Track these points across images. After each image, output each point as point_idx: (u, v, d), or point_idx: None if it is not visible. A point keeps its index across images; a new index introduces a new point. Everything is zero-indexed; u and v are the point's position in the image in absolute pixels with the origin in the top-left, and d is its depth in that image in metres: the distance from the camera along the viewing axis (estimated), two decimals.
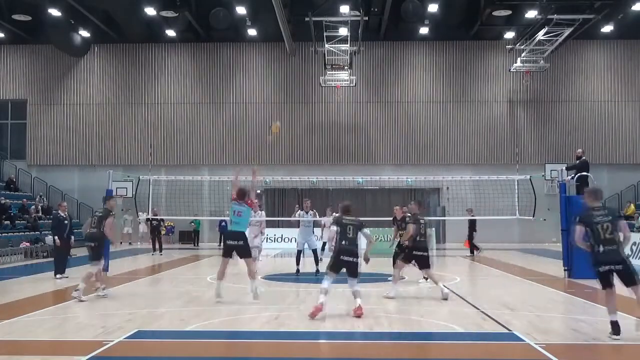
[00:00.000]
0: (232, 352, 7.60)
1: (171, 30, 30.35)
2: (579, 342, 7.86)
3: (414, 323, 9.11)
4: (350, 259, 9.43)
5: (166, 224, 27.58)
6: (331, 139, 31.38)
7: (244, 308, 10.27)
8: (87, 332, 8.32)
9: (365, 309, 10.20)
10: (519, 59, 28.34)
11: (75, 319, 9.48)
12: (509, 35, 29.88)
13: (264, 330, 8.59)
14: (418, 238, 11.47)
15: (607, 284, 7.99)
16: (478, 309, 10.15)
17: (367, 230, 9.85)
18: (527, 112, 31.50)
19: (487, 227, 27.13)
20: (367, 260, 10.06)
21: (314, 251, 15.75)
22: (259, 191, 32.62)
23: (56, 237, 15.08)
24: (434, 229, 28.46)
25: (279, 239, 28.20)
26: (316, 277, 13.94)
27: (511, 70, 29.33)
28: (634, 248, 18.02)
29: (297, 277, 14.98)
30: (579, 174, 16.55)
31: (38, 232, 23.68)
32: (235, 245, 10.68)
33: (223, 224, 26.61)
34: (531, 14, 25.76)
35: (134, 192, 20.44)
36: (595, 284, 13.64)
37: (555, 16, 24.11)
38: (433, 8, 27.48)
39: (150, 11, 27.70)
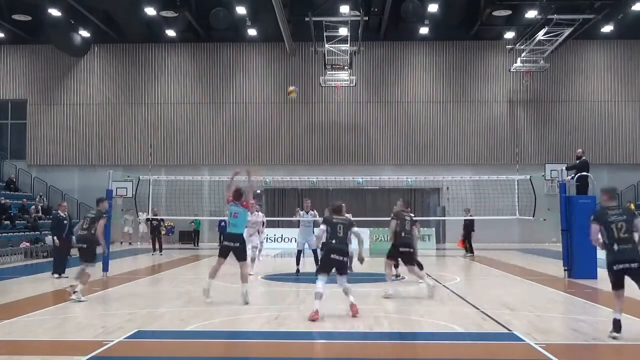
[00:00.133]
0: (232, 352, 7.60)
1: (171, 30, 30.35)
2: (579, 342, 7.86)
3: (414, 323, 9.12)
4: (340, 257, 9.40)
5: (166, 224, 27.57)
6: (331, 139, 31.39)
7: (244, 308, 10.26)
8: (87, 332, 8.31)
9: (365, 309, 10.20)
10: (519, 59, 28.34)
11: (75, 319, 9.48)
12: (509, 35, 29.88)
13: (264, 330, 8.59)
14: (403, 234, 11.42)
15: (618, 284, 7.96)
16: (478, 309, 10.15)
17: (357, 229, 9.82)
18: (527, 112, 31.50)
19: (487, 227, 27.17)
20: (361, 260, 10.03)
21: (314, 251, 15.73)
22: (258, 191, 32.66)
23: (55, 237, 15.08)
24: (434, 229, 28.56)
25: (279, 239, 28.20)
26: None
27: (511, 70, 29.33)
28: None
29: (297, 277, 14.98)
30: (579, 174, 16.55)
31: (38, 232, 23.69)
32: (232, 247, 10.64)
33: (222, 224, 26.56)
34: (531, 14, 25.76)
35: (134, 192, 20.45)
36: (595, 284, 13.74)
37: (555, 16, 24.11)
38: (433, 8, 27.48)
39: (150, 11, 27.70)
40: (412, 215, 12.19)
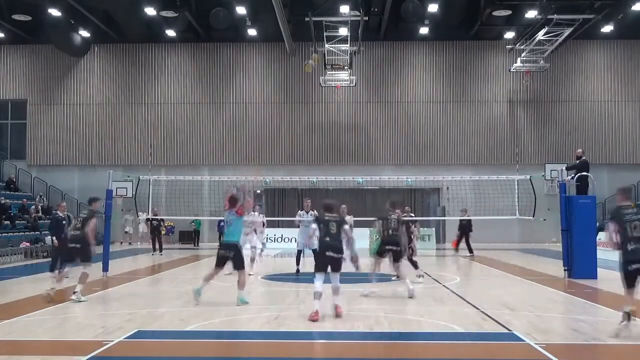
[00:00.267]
0: (232, 352, 7.60)
1: (171, 30, 30.35)
2: (579, 342, 7.86)
3: (414, 323, 9.11)
4: (335, 254, 9.38)
5: (166, 224, 27.57)
6: (331, 139, 31.39)
7: (244, 308, 10.26)
8: (87, 332, 8.32)
9: (366, 309, 10.21)
10: (519, 59, 28.33)
11: (75, 319, 9.48)
12: (509, 35, 29.88)
13: (264, 330, 8.59)
14: (390, 232, 11.60)
15: (631, 284, 7.97)
16: (478, 309, 10.15)
17: (347, 227, 9.75)
18: (527, 112, 31.50)
19: (487, 227, 27.16)
20: (356, 262, 9.83)
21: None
22: (258, 191, 32.67)
23: (54, 238, 15.09)
24: (433, 229, 28.57)
25: (279, 239, 28.20)
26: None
27: (511, 70, 29.32)
28: None
29: (297, 277, 14.97)
30: (579, 174, 16.55)
31: (38, 232, 23.69)
32: (227, 256, 10.57)
33: (222, 224, 26.53)
34: (531, 14, 25.76)
35: (134, 192, 20.44)
36: (595, 284, 13.74)
37: (555, 16, 24.11)
38: (433, 8, 27.48)
39: (150, 11, 27.70)
40: (413, 214, 12.22)
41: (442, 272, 17.04)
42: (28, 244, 21.86)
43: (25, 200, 27.52)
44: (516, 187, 19.56)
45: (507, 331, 8.40)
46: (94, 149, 31.87)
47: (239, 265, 10.66)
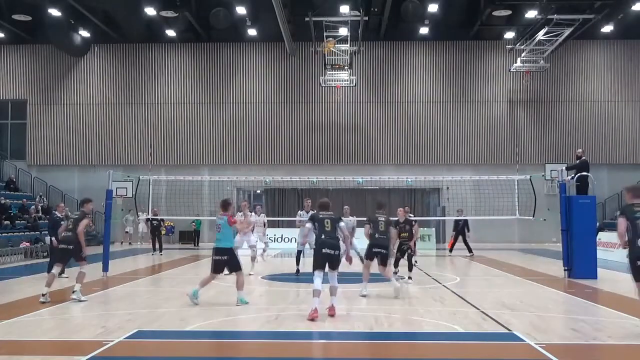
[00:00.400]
0: (232, 352, 7.60)
1: (171, 30, 30.35)
2: (579, 342, 7.86)
3: (414, 323, 9.11)
4: (332, 251, 9.41)
5: (166, 224, 27.57)
6: (331, 139, 31.38)
7: (244, 308, 10.26)
8: (87, 332, 8.32)
9: (366, 309, 10.22)
10: (519, 59, 28.33)
11: (75, 319, 9.48)
12: (509, 35, 29.87)
13: (264, 330, 8.59)
14: (377, 235, 11.51)
15: (639, 278, 8.12)
16: (478, 309, 10.15)
17: (342, 224, 9.77)
18: (527, 112, 31.49)
19: (487, 227, 27.24)
20: (349, 259, 9.97)
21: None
22: (259, 191, 32.69)
23: (53, 238, 15.10)
24: (433, 229, 28.57)
25: (279, 239, 28.18)
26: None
27: (511, 70, 29.32)
28: None
29: (297, 277, 14.98)
30: (579, 174, 16.56)
31: (38, 232, 23.69)
32: (223, 260, 10.51)
33: None
34: (531, 14, 25.75)
35: (134, 192, 20.44)
36: (595, 284, 13.75)
37: (555, 16, 24.10)
38: (433, 8, 27.46)
39: (150, 11, 27.69)
40: (412, 215, 12.19)
41: (442, 272, 17.04)
42: (28, 244, 21.85)
43: (25, 200, 27.52)
44: (516, 187, 19.57)
45: (507, 331, 8.40)
46: (94, 149, 31.87)
47: (235, 267, 10.63)
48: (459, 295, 11.87)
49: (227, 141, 31.64)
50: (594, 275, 14.49)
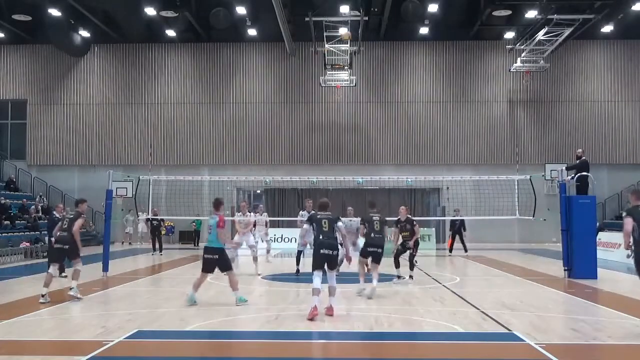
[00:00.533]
0: (232, 352, 7.60)
1: (171, 30, 30.35)
2: (579, 342, 7.86)
3: (414, 323, 9.11)
4: (330, 251, 9.44)
5: (166, 224, 27.56)
6: (331, 139, 31.38)
7: (244, 308, 10.26)
8: (87, 332, 8.32)
9: (365, 309, 10.21)
10: (519, 59, 28.32)
11: (75, 319, 9.48)
12: (509, 35, 29.87)
13: (264, 330, 8.59)
14: (372, 235, 11.59)
15: None
16: (478, 309, 10.15)
17: (340, 224, 9.78)
18: (527, 112, 31.50)
19: (487, 227, 27.25)
20: (348, 259, 10.01)
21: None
22: (259, 191, 32.69)
23: (52, 238, 15.11)
24: (433, 229, 28.56)
25: (279, 239, 28.16)
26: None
27: (511, 70, 29.32)
28: None
29: (297, 277, 14.97)
30: (579, 174, 16.56)
31: (38, 232, 23.69)
32: (212, 259, 10.49)
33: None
34: (531, 14, 25.74)
35: (134, 192, 20.43)
36: (595, 284, 13.74)
37: (555, 16, 24.10)
38: (433, 8, 27.46)
39: (150, 11, 27.69)
40: (410, 215, 12.15)
41: (442, 272, 17.04)
42: (28, 244, 21.85)
43: (25, 200, 27.52)
44: (516, 187, 19.55)
45: (507, 331, 8.40)
46: (94, 149, 31.87)
47: (225, 267, 10.59)
48: (459, 295, 11.88)
49: (227, 141, 31.63)
50: (594, 275, 14.49)
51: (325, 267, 9.51)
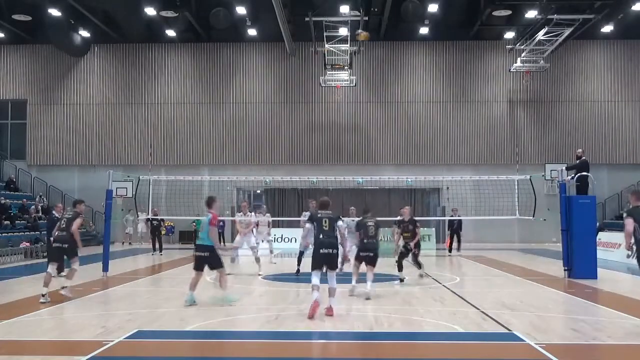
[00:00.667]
0: (232, 352, 7.60)
1: (171, 30, 30.35)
2: (579, 342, 7.86)
3: (414, 323, 9.11)
4: (329, 250, 9.44)
5: (166, 224, 27.56)
6: (331, 139, 31.38)
7: (244, 308, 10.27)
8: (87, 332, 8.32)
9: (366, 309, 10.21)
10: (519, 59, 28.33)
11: (75, 319, 9.48)
12: (509, 35, 29.87)
13: (264, 330, 8.59)
14: (365, 241, 11.66)
15: None
16: (478, 309, 10.15)
17: (341, 224, 9.78)
18: (527, 112, 31.50)
19: (487, 227, 27.26)
20: (345, 259, 10.02)
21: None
22: (259, 191, 32.69)
23: (52, 238, 15.12)
24: (434, 229, 28.59)
25: (279, 239, 28.15)
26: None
27: (511, 70, 29.32)
28: None
29: (297, 277, 14.96)
30: (579, 174, 16.56)
31: (38, 232, 23.68)
32: (203, 257, 10.48)
33: (221, 223, 26.60)
34: (531, 14, 25.74)
35: (134, 192, 20.43)
36: (595, 284, 13.74)
37: (555, 16, 24.10)
38: (433, 8, 27.46)
39: (150, 11, 27.69)
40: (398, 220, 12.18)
41: (442, 272, 17.03)
42: (28, 244, 21.85)
43: (25, 200, 27.52)
44: (516, 187, 19.55)
45: (507, 331, 8.40)
46: (94, 149, 31.87)
47: (215, 265, 10.55)
48: (459, 295, 11.88)
49: (227, 141, 31.63)
50: (594, 275, 14.49)
51: (325, 268, 9.50)
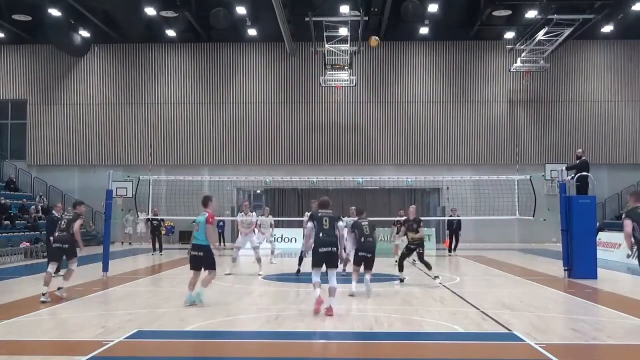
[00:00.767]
0: (232, 352, 7.60)
1: (171, 30, 30.34)
2: (579, 342, 7.86)
3: (414, 323, 9.11)
4: (328, 249, 9.47)
5: (166, 224, 27.56)
6: (331, 139, 31.38)
7: (244, 308, 10.27)
8: (87, 332, 8.32)
9: (365, 309, 10.21)
10: (519, 59, 28.33)
11: (75, 319, 9.48)
12: (509, 35, 29.87)
13: (264, 330, 8.59)
14: (363, 240, 11.69)
15: None
16: (478, 309, 10.15)
17: (341, 224, 9.81)
18: (527, 112, 31.50)
19: (487, 227, 27.25)
20: (344, 259, 10.03)
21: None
22: (259, 191, 32.69)
23: (51, 238, 15.14)
24: (434, 229, 28.57)
25: (279, 239, 28.14)
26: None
27: (511, 70, 29.32)
28: None
29: (298, 277, 14.96)
30: (579, 174, 16.56)
31: (38, 232, 23.68)
32: (197, 256, 10.45)
33: (221, 223, 26.64)
34: (531, 14, 25.75)
35: (134, 192, 20.43)
36: (595, 284, 13.75)
37: (555, 16, 24.10)
38: (433, 8, 27.46)
39: (150, 11, 27.69)
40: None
41: (442, 272, 17.02)
42: (28, 244, 21.84)
43: (25, 200, 27.51)
44: (516, 187, 19.55)
45: (507, 331, 8.40)
46: (94, 149, 31.87)
47: (209, 266, 10.52)
48: (459, 295, 11.88)
49: (227, 141, 31.63)
50: (594, 275, 14.49)
51: (325, 267, 9.53)
